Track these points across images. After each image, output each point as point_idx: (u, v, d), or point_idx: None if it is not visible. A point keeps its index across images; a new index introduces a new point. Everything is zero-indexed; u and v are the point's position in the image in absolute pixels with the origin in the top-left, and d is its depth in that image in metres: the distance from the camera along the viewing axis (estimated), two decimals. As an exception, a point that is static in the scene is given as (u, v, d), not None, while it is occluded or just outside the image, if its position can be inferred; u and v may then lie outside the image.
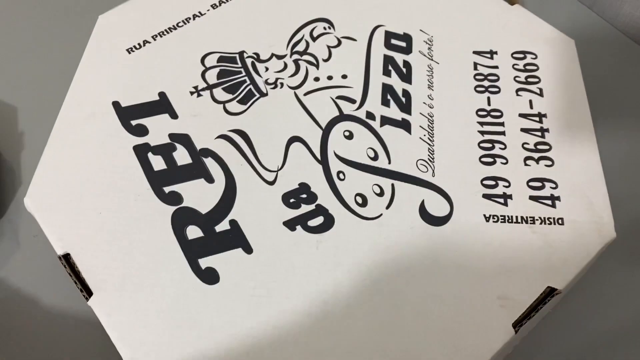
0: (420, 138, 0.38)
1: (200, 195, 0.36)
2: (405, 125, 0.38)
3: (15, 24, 0.58)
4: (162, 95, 0.40)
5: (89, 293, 0.33)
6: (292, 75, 0.41)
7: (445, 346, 0.30)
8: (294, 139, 0.38)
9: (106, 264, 0.33)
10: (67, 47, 0.45)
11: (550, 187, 0.35)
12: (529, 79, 0.40)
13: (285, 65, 0.42)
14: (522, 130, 0.38)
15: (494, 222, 0.34)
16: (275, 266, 0.33)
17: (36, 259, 0.42)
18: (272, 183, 0.36)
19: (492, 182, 0.36)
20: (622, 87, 0.47)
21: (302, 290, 0.33)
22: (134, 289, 0.33)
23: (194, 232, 0.35)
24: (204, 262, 0.34)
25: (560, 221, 0.34)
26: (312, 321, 0.32)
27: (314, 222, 0.35)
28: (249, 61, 0.42)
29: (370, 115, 0.39)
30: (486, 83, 0.40)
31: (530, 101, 0.39)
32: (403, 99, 0.40)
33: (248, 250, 0.34)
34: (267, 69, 0.42)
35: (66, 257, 0.34)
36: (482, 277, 0.32)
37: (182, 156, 0.38)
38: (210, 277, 0.33)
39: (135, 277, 0.33)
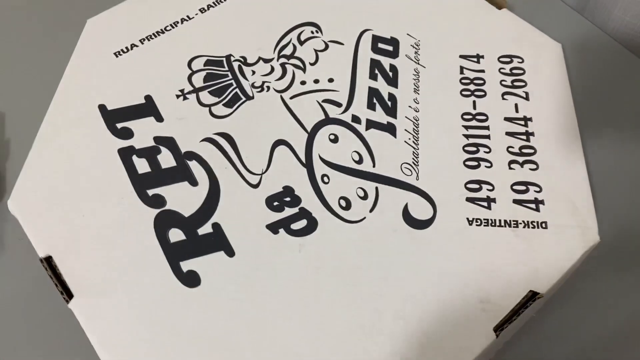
0: (405, 142, 0.38)
1: (183, 198, 0.36)
2: (390, 129, 0.38)
3: (2, 29, 0.58)
4: (148, 98, 0.40)
5: (69, 296, 0.32)
6: (278, 79, 0.41)
7: (426, 349, 0.30)
8: (279, 142, 0.38)
9: (88, 267, 0.33)
10: (56, 52, 0.45)
11: (535, 191, 0.35)
12: (515, 83, 0.40)
13: (272, 69, 0.42)
14: (507, 133, 0.38)
15: (477, 225, 0.34)
16: (257, 270, 0.33)
17: (20, 262, 0.42)
18: (256, 186, 0.36)
19: (476, 186, 0.36)
20: (612, 92, 0.47)
21: (283, 293, 0.32)
22: (115, 292, 0.33)
23: (176, 235, 0.35)
24: (186, 265, 0.33)
25: (543, 225, 0.34)
26: (293, 324, 0.31)
27: (297, 225, 0.35)
28: (235, 64, 0.42)
29: (355, 119, 0.39)
30: (472, 87, 0.40)
31: (516, 105, 0.39)
32: (389, 103, 0.40)
33: (230, 253, 0.34)
34: (253, 72, 0.42)
35: (48, 260, 0.34)
36: (464, 280, 0.32)
37: (166, 159, 0.38)
38: (191, 280, 0.33)
39: (117, 280, 0.33)
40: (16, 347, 0.39)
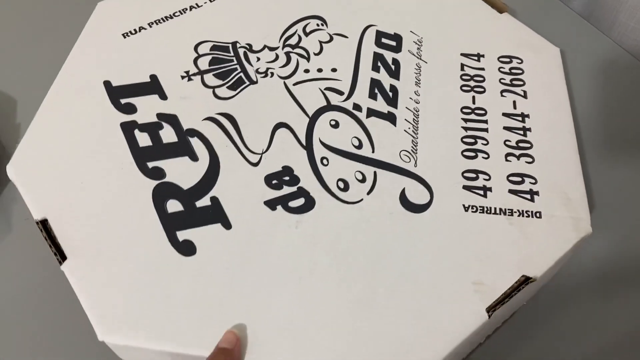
0: (404, 130, 0.38)
1: (183, 172, 0.36)
2: (390, 118, 0.39)
3: (15, 16, 0.58)
4: (153, 77, 0.41)
5: (63, 258, 0.32)
6: (282, 66, 0.42)
7: (418, 326, 0.30)
8: (281, 125, 0.39)
9: (83, 231, 0.33)
10: (67, 40, 0.46)
11: (530, 183, 0.36)
12: (514, 82, 0.41)
13: (277, 57, 0.43)
14: (505, 128, 0.39)
15: (472, 212, 0.35)
16: (253, 243, 0.33)
17: (27, 242, 0.42)
18: (255, 164, 0.37)
19: (473, 175, 0.36)
20: (616, 96, 0.48)
21: (278, 266, 0.33)
22: (109, 257, 0.33)
23: (174, 205, 0.35)
24: (182, 235, 0.34)
25: (538, 214, 0.34)
26: (287, 296, 0.31)
27: (295, 203, 0.35)
28: (241, 51, 0.43)
29: (357, 107, 0.40)
30: (472, 83, 0.41)
31: (514, 102, 0.40)
32: (390, 94, 0.40)
33: (227, 225, 0.34)
34: (258, 59, 0.43)
35: (43, 223, 0.34)
36: (458, 263, 0.33)
37: (168, 134, 0.38)
38: (187, 249, 0.33)
39: (111, 245, 0.33)
40: (24, 327, 0.39)
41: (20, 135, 0.39)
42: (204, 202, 0.35)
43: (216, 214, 0.34)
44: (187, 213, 0.34)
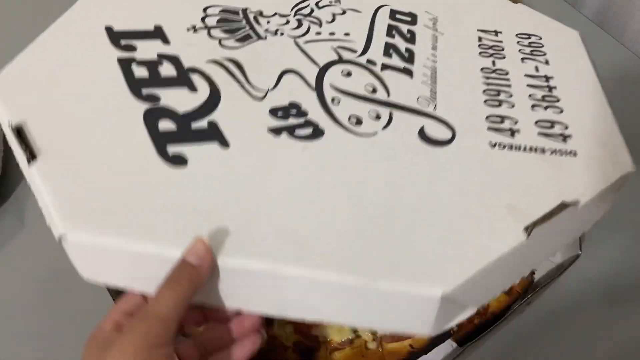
0: (422, 82, 0.36)
1: (180, 99, 0.33)
2: (407, 72, 0.37)
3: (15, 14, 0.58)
4: (157, 27, 0.39)
5: (33, 157, 0.28)
6: (294, 29, 0.40)
7: (445, 243, 0.25)
8: (289, 71, 0.36)
9: (61, 135, 0.29)
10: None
11: (561, 128, 0.33)
12: (534, 53, 0.39)
13: (288, 21, 0.41)
14: (529, 85, 0.36)
15: (500, 149, 0.31)
16: (252, 161, 0.29)
17: (39, 238, 0.40)
18: (260, 99, 0.34)
19: (498, 119, 0.33)
20: (628, 101, 0.46)
21: (279, 184, 0.28)
22: (86, 160, 0.28)
23: (166, 125, 0.31)
24: (173, 148, 0.29)
25: (573, 153, 0.31)
26: (289, 206, 0.27)
27: (302, 131, 0.31)
28: (251, 15, 0.42)
29: (371, 62, 0.37)
30: (491, 51, 0.39)
31: (536, 67, 0.38)
32: (406, 55, 0.38)
33: (225, 145, 0.30)
34: (268, 22, 0.41)
35: (17, 129, 0.30)
36: (487, 190, 0.28)
37: (167, 70, 0.35)
38: (176, 161, 0.29)
39: (91, 150, 0.29)
40: (36, 320, 0.40)
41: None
42: (200, 124, 0.31)
43: (213, 134, 0.31)
44: (180, 131, 0.31)
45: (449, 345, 0.45)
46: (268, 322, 0.47)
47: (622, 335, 0.42)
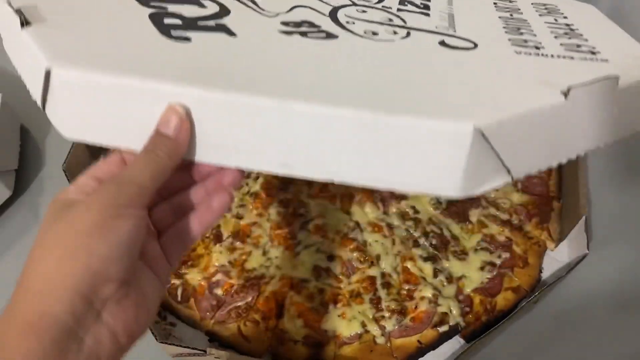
0: (440, 17, 0.35)
1: (187, 9, 0.31)
2: (423, 12, 0.36)
3: None
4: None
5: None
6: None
7: (477, 91, 0.23)
8: (299, 6, 0.35)
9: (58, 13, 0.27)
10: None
11: (588, 47, 0.31)
12: (552, 12, 0.39)
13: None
14: (547, 23, 0.35)
15: (526, 55, 0.29)
16: (260, 50, 0.27)
17: None
18: (271, 16, 0.32)
19: (522, 42, 0.31)
20: None
21: (286, 73, 0.26)
22: (79, 21, 0.26)
23: (172, 20, 0.29)
24: (177, 33, 0.27)
25: (604, 60, 0.29)
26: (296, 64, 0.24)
27: (315, 35, 0.30)
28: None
29: (386, 7, 0.36)
30: (507, 9, 0.39)
31: (555, 19, 0.37)
32: (421, 5, 0.38)
33: (231, 34, 0.28)
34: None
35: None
36: (520, 73, 0.26)
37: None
38: (179, 38, 0.27)
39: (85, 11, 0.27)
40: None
41: (50, 125, 0.38)
42: (207, 22, 0.30)
43: (220, 27, 0.29)
44: (186, 23, 0.29)
45: (456, 342, 0.43)
46: (278, 316, 0.43)
47: (630, 335, 0.42)
